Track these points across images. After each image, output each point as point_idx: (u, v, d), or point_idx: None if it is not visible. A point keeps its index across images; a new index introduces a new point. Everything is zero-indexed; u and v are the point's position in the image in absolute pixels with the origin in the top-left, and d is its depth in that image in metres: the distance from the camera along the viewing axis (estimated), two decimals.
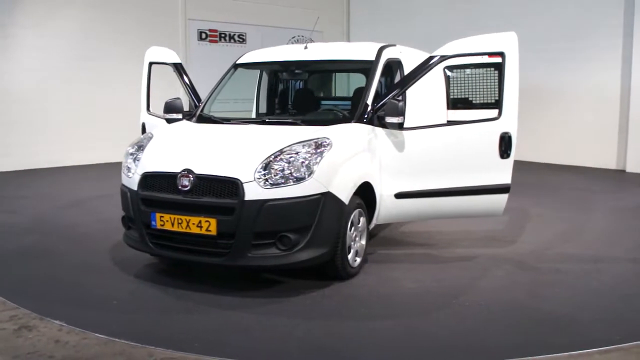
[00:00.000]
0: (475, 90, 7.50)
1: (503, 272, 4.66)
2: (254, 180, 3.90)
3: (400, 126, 4.70)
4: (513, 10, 11.77)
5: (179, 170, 4.06)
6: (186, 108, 5.82)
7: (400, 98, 4.71)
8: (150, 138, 4.66)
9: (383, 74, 5.30)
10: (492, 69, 7.25)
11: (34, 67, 10.33)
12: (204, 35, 13.19)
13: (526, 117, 11.77)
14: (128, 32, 11.59)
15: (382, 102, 4.72)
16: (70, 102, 10.86)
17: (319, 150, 4.09)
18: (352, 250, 4.43)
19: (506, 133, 4.82)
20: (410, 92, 5.11)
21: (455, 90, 7.65)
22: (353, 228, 4.42)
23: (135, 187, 4.28)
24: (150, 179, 4.22)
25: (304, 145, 4.10)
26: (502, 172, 4.88)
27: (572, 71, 11.14)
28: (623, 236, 5.83)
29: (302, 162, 3.99)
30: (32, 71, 10.31)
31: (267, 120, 4.93)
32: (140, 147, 4.55)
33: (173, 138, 4.69)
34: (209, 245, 4.00)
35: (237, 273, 4.55)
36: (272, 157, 4.00)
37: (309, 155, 4.04)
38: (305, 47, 5.64)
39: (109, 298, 4.06)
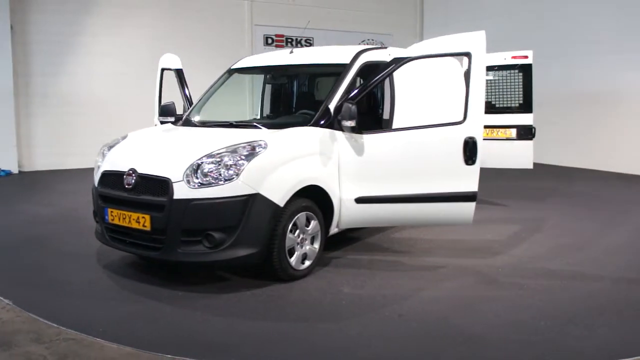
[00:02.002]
0: (499, 93, 7.14)
1: (457, 284, 4.44)
2: (183, 180, 4.08)
3: (353, 129, 4.66)
4: (580, 9, 10.95)
5: (125, 170, 4.36)
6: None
7: (353, 101, 4.64)
8: (123, 139, 5.01)
9: (363, 77, 5.25)
10: (516, 70, 6.90)
11: (107, 72, 11.29)
12: (270, 41, 13.63)
13: (601, 125, 10.94)
14: (196, 38, 12.27)
15: (337, 106, 4.69)
16: (141, 106, 11.74)
17: (250, 153, 4.17)
18: (296, 253, 4.46)
19: (471, 138, 4.59)
20: (404, 94, 4.99)
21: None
22: (298, 231, 4.45)
23: (96, 184, 4.64)
24: (106, 177, 4.56)
25: (237, 148, 4.21)
26: (467, 179, 4.65)
27: None
28: (627, 254, 5.27)
29: (231, 164, 4.09)
30: (106, 76, 11.27)
31: (234, 123, 5.08)
32: (110, 147, 4.91)
33: (138, 140, 5.00)
34: (147, 240, 4.25)
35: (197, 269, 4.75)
36: (204, 158, 4.15)
37: (239, 157, 4.13)
38: (291, 52, 5.73)
39: (66, 284, 4.45)
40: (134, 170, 4.31)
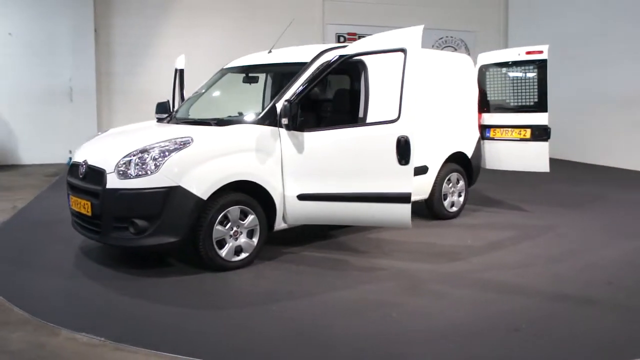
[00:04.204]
0: (514, 91, 6.75)
1: (373, 288, 4.30)
2: (115, 171, 4.44)
3: (295, 127, 4.72)
4: None
5: (81, 161, 4.84)
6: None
7: (292, 99, 4.70)
8: (103, 133, 5.53)
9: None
10: (532, 67, 6.50)
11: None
12: (342, 39, 13.74)
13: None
14: (267, 38, 12.69)
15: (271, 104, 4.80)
16: None
17: (176, 148, 4.43)
18: (228, 245, 4.64)
19: (403, 137, 4.45)
20: (380, 91, 4.94)
21: (494, 93, 7.00)
22: (230, 223, 4.63)
23: (67, 174, 5.20)
24: (72, 167, 5.08)
25: (166, 143, 4.49)
26: (401, 180, 4.52)
27: None
28: (604, 273, 4.72)
29: (157, 158, 4.38)
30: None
31: (197, 120, 5.36)
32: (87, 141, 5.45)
33: (107, 134, 5.46)
34: (90, 224, 4.69)
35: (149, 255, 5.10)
36: (136, 152, 4.48)
37: (166, 152, 4.40)
38: (269, 52, 5.89)
39: (35, 260, 5.01)
40: (85, 162, 4.77)
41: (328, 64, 4.78)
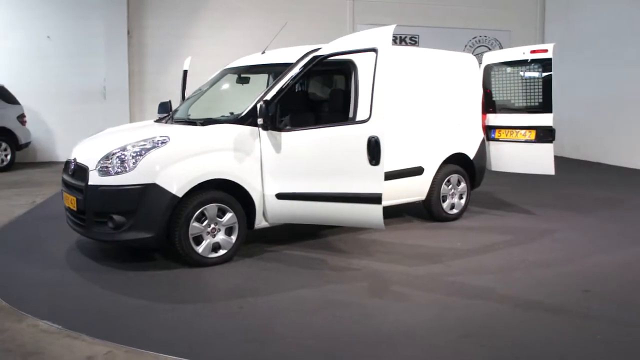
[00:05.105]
0: (518, 91, 6.60)
1: (338, 288, 4.28)
2: (96, 168, 4.64)
3: (265, 127, 4.80)
4: None
5: (72, 158, 5.08)
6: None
7: (269, 100, 4.76)
8: (98, 133, 5.76)
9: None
10: (537, 66, 6.34)
11: (211, 71, 12.46)
12: None
13: None
14: (297, 38, 12.81)
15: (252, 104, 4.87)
16: None
17: (153, 147, 4.58)
18: (205, 242, 4.76)
19: (374, 137, 4.44)
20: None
21: (499, 93, 6.86)
22: (207, 220, 4.74)
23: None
24: (66, 165, 5.32)
25: (145, 142, 4.65)
26: (372, 181, 4.51)
27: None
28: (587, 276, 4.56)
29: (133, 156, 4.55)
30: (209, 75, 12.45)
31: (187, 120, 5.51)
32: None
33: (102, 134, 5.67)
34: (77, 218, 4.91)
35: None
36: (117, 150, 4.66)
37: (143, 150, 4.56)
38: (263, 53, 5.98)
39: (31, 252, 5.29)
40: (75, 159, 5.00)
41: (304, 65, 4.81)
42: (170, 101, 6.44)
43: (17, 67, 11.43)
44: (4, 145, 10.38)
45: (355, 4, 13.55)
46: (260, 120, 4.75)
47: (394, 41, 13.64)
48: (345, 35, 4.86)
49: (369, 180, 4.51)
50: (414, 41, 13.90)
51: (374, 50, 4.44)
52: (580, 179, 9.94)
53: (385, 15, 13.55)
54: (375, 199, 4.51)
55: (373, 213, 4.56)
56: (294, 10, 12.86)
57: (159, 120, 6.08)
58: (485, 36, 14.12)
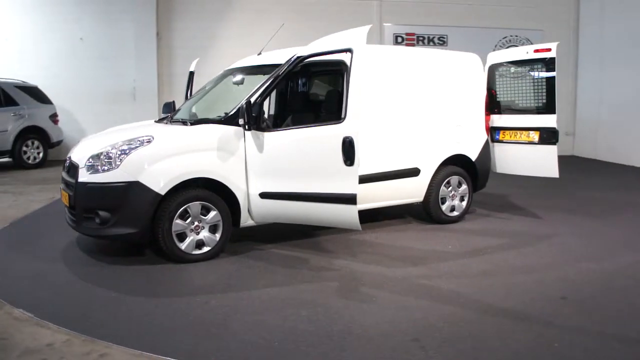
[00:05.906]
0: (521, 91, 6.48)
1: (312, 287, 4.31)
2: (85, 166, 4.84)
3: (247, 127, 4.88)
4: None
5: (68, 156, 5.31)
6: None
7: (251, 100, 4.84)
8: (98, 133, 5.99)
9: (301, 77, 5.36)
10: (540, 66, 6.21)
11: None
12: (400, 39, 13.59)
13: None
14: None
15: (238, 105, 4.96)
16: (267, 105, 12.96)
17: (137, 146, 4.74)
18: (188, 239, 4.88)
19: (348, 137, 4.45)
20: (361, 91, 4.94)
21: (503, 93, 6.74)
22: (190, 218, 4.87)
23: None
24: (65, 162, 5.57)
25: (131, 141, 4.81)
26: (346, 181, 4.53)
27: None
28: (572, 282, 4.41)
29: (118, 155, 4.72)
30: None
31: (181, 120, 5.65)
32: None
33: (101, 133, 5.88)
34: (70, 214, 5.13)
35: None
36: (105, 149, 4.85)
37: (128, 149, 4.73)
38: (259, 54, 6.07)
39: (32, 245, 5.56)
40: (70, 157, 5.24)
41: (287, 67, 4.87)
42: (174, 102, 6.62)
43: (52, 68, 11.97)
44: (36, 143, 10.91)
45: (382, 4, 13.48)
46: (241, 121, 4.84)
47: (421, 41, 13.64)
48: (325, 37, 4.87)
49: (344, 181, 4.52)
50: (442, 41, 13.70)
51: (349, 50, 4.46)
52: (605, 182, 9.59)
53: (414, 15, 13.46)
54: (349, 199, 4.52)
55: (348, 213, 4.57)
56: (320, 11, 12.95)
57: (160, 120, 6.26)
58: (517, 36, 13.78)
